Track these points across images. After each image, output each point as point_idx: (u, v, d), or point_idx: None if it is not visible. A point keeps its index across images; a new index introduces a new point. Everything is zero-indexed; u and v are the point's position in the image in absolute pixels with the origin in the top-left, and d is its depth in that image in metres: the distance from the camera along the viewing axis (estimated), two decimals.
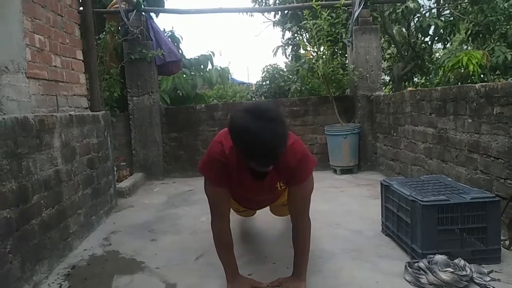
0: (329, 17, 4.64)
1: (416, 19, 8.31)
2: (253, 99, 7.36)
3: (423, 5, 7.82)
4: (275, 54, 8.56)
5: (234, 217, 2.26)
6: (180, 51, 6.10)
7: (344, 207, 3.33)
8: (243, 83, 13.31)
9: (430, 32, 8.17)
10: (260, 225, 2.92)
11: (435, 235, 2.08)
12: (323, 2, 4.85)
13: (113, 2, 4.96)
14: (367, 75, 4.88)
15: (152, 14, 5.24)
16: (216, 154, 1.85)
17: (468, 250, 2.08)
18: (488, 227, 2.07)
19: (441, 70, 8.45)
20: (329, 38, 4.69)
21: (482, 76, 7.24)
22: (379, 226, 2.69)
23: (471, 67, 6.61)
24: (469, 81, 7.03)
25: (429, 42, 9.10)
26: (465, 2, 8.04)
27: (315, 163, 1.94)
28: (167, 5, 5.91)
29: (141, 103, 4.88)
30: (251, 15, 9.03)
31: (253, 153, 1.58)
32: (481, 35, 7.97)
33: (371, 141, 4.87)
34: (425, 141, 3.45)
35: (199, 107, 5.19)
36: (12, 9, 2.35)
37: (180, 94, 5.97)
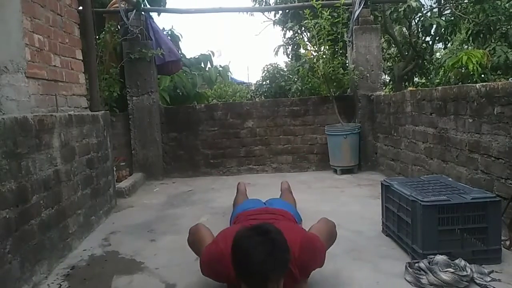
0: (330, 17, 4.64)
1: (418, 18, 8.30)
2: (253, 98, 7.36)
3: (424, 5, 7.80)
4: (276, 53, 8.56)
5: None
6: (180, 50, 6.10)
7: (344, 207, 3.32)
8: (243, 82, 13.32)
9: (432, 31, 8.16)
10: None
11: (436, 236, 2.07)
12: (324, 2, 4.84)
13: (112, 1, 4.95)
14: (368, 75, 4.87)
15: (153, 14, 5.24)
16: (214, 262, 1.74)
17: (468, 250, 2.07)
18: (489, 227, 2.06)
19: (442, 70, 8.44)
20: (329, 37, 4.68)
21: (482, 75, 7.23)
22: (379, 226, 2.68)
23: (470, 66, 6.60)
24: (469, 80, 7.02)
25: (430, 42, 9.09)
26: (466, 2, 8.02)
27: (324, 252, 1.81)
28: (167, 5, 5.91)
29: (141, 103, 4.87)
30: (251, 15, 9.03)
31: (244, 272, 1.47)
32: (481, 35, 7.96)
33: (372, 141, 4.86)
34: (425, 141, 3.44)
35: (199, 106, 5.18)
36: (12, 8, 2.35)
37: (180, 93, 5.97)
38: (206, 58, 6.31)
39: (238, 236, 1.53)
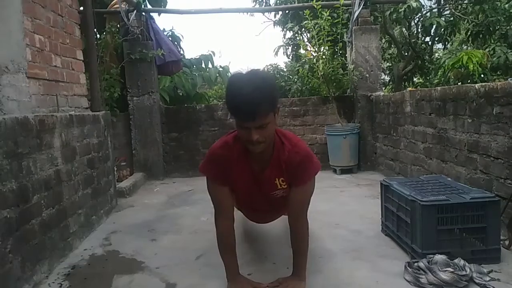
0: (330, 17, 4.65)
1: (417, 19, 8.31)
2: None
3: (423, 5, 7.81)
4: (276, 54, 8.57)
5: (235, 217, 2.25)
6: (181, 51, 6.11)
7: (344, 207, 3.33)
8: None
9: (432, 31, 8.17)
10: (261, 225, 2.92)
11: (435, 235, 2.08)
12: (323, 2, 4.85)
13: (113, 2, 4.96)
14: (367, 75, 4.89)
15: (154, 14, 5.24)
16: (216, 148, 1.87)
17: (468, 250, 2.08)
18: (488, 227, 2.07)
19: (441, 70, 8.45)
20: (329, 38, 4.69)
21: (482, 76, 7.24)
22: (379, 226, 2.69)
23: (471, 66, 6.62)
24: (469, 80, 7.03)
25: (430, 42, 9.10)
26: (465, 3, 8.03)
27: (319, 167, 1.93)
28: (167, 6, 5.92)
29: (141, 103, 4.88)
30: (252, 15, 9.04)
31: (232, 104, 1.61)
32: (481, 36, 7.97)
33: (371, 141, 4.87)
34: (425, 141, 3.45)
35: (199, 107, 5.19)
36: (12, 9, 2.35)
37: (180, 93, 5.98)
38: (207, 58, 6.32)
39: (231, 76, 1.70)
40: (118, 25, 4.81)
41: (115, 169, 4.08)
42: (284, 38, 8.66)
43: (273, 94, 1.63)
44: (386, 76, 10.12)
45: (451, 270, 1.88)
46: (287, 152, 1.80)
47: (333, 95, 4.92)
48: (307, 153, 1.86)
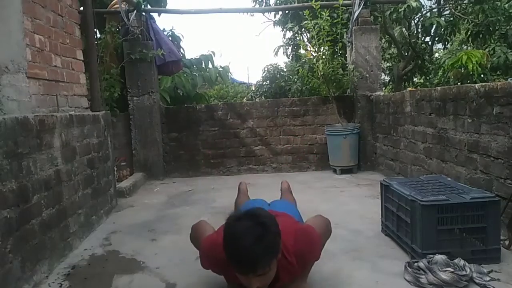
0: (329, 17, 4.65)
1: (417, 19, 8.31)
2: (253, 98, 7.37)
3: (423, 5, 7.81)
4: (276, 53, 8.57)
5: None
6: (182, 51, 6.11)
7: (344, 207, 3.33)
8: (243, 83, 13.31)
9: (431, 31, 8.17)
10: None
11: (435, 235, 2.08)
12: (323, 2, 4.85)
13: (113, 2, 4.96)
14: (367, 75, 4.89)
15: (154, 14, 5.24)
16: (206, 250, 1.78)
17: (468, 250, 2.08)
18: (488, 227, 2.07)
19: (441, 70, 8.45)
20: (329, 38, 4.69)
21: (482, 76, 7.24)
22: (379, 226, 2.69)
23: (470, 66, 6.61)
24: (468, 81, 7.03)
25: (429, 42, 9.10)
26: (465, 3, 8.03)
27: (319, 251, 1.78)
28: (168, 6, 5.92)
29: (141, 103, 4.88)
30: (252, 15, 9.03)
31: (231, 256, 1.47)
32: (481, 36, 7.97)
33: (371, 141, 4.87)
34: (425, 141, 3.45)
35: (199, 107, 5.19)
36: (12, 9, 2.36)
37: (180, 94, 5.98)
38: (207, 58, 6.32)
39: (229, 220, 1.53)
40: (118, 25, 4.82)
41: (115, 169, 4.08)
42: (284, 38, 8.65)
43: (274, 242, 1.49)
44: (386, 76, 10.11)
45: (451, 270, 1.88)
46: (295, 265, 1.67)
47: (333, 95, 4.92)
48: (311, 253, 1.73)
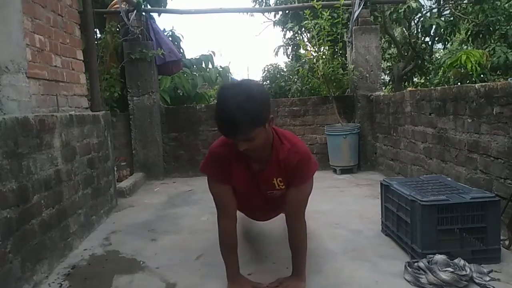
0: (330, 17, 4.65)
1: (417, 19, 8.32)
2: None
3: (423, 5, 7.82)
4: (276, 53, 8.58)
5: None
6: (182, 50, 6.11)
7: (344, 207, 3.33)
8: None
9: (431, 32, 8.18)
10: (261, 224, 2.92)
11: (435, 235, 2.08)
12: (324, 2, 4.85)
13: (113, 2, 4.96)
14: (367, 75, 4.89)
15: (154, 14, 5.25)
16: (215, 147, 1.88)
17: (468, 250, 2.08)
18: (488, 227, 2.07)
19: (441, 70, 8.46)
20: (329, 38, 4.69)
21: (482, 76, 7.25)
22: (379, 226, 2.69)
23: (469, 66, 6.61)
24: (468, 81, 7.03)
25: (429, 42, 9.11)
26: (465, 3, 8.04)
27: (316, 167, 1.92)
28: (168, 6, 5.92)
29: (141, 103, 4.88)
30: (252, 15, 9.05)
31: (216, 119, 1.61)
32: (481, 36, 7.98)
33: (371, 141, 4.87)
34: (425, 141, 3.45)
35: (199, 107, 5.19)
36: (12, 9, 2.35)
37: (181, 94, 5.98)
38: (207, 58, 6.32)
39: (220, 87, 1.66)
40: (118, 25, 4.82)
41: (115, 169, 4.08)
42: (284, 38, 8.67)
43: (258, 111, 1.56)
44: (386, 76, 10.12)
45: (451, 270, 1.88)
46: (286, 151, 1.80)
47: (333, 95, 4.92)
48: (306, 153, 1.85)
